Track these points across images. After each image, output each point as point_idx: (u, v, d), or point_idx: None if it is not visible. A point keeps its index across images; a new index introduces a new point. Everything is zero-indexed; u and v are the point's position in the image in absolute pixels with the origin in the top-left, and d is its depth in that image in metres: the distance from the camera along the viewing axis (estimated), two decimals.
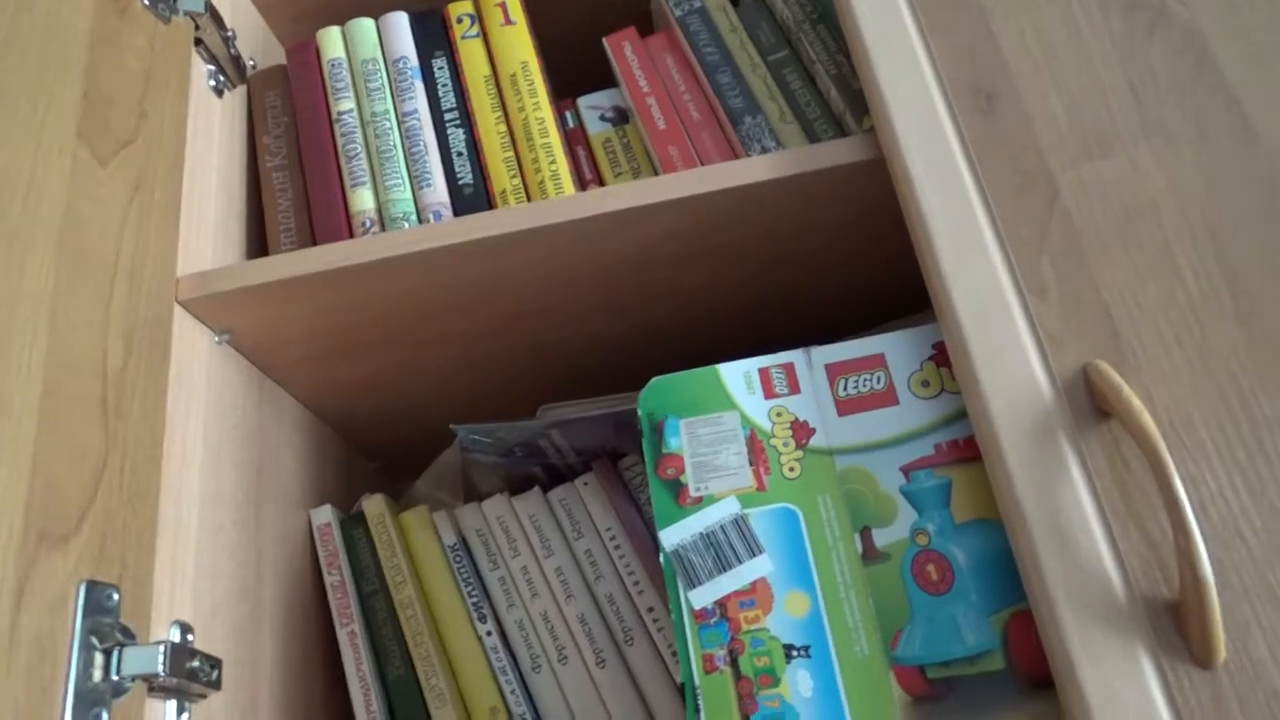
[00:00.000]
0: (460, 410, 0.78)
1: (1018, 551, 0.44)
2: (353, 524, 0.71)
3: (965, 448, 0.49)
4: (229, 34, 0.69)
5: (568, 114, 0.73)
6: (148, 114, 0.58)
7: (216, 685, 0.53)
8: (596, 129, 0.72)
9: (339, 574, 0.69)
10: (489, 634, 0.66)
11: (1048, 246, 0.48)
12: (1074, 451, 0.44)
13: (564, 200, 0.58)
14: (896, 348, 0.52)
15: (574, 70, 0.80)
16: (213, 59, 0.69)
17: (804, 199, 0.58)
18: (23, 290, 0.46)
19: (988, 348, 0.46)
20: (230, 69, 0.70)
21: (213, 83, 0.68)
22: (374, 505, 0.70)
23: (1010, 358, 0.46)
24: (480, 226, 0.58)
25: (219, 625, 0.56)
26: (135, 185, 0.56)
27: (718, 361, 0.54)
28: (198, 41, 0.67)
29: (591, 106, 0.73)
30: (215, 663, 0.53)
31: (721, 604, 0.47)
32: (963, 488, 0.48)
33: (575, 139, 0.72)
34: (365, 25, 0.72)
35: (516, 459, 0.69)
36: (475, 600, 0.67)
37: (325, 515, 0.71)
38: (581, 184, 0.70)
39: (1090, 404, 0.45)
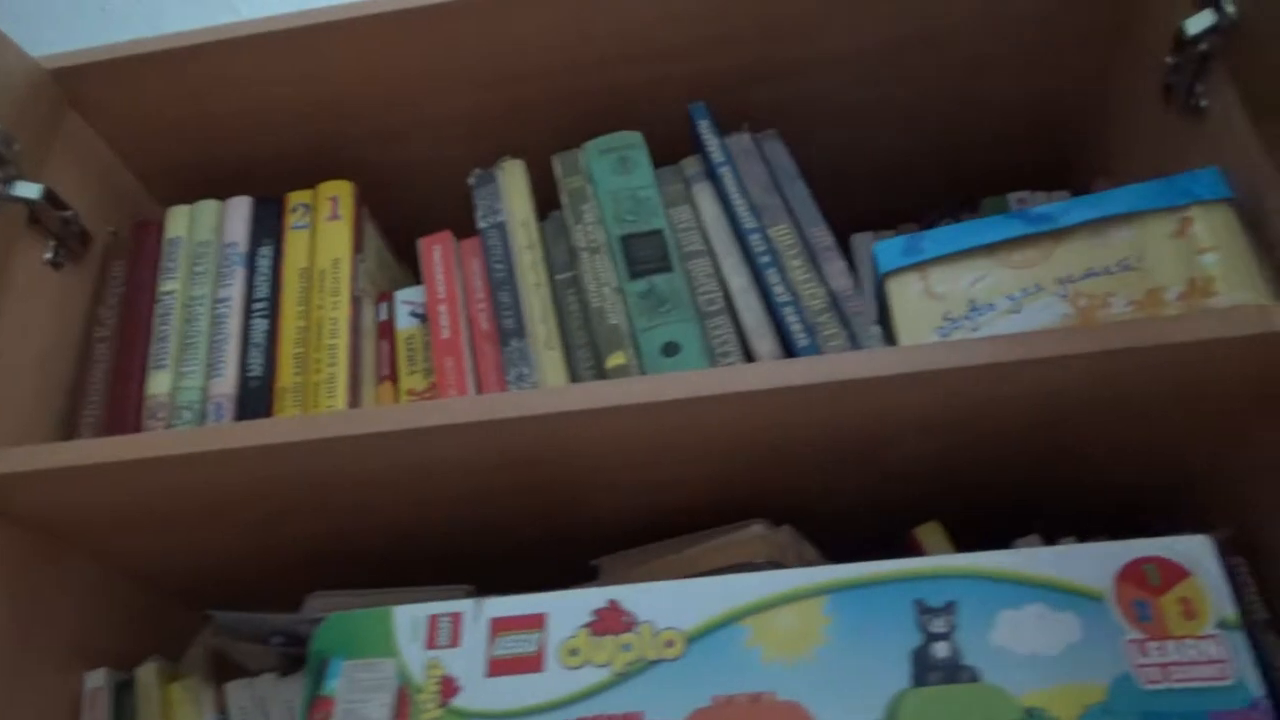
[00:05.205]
0: (264, 587, 0.79)
1: None
2: (127, 690, 0.71)
3: None
4: (69, 214, 0.74)
5: (382, 306, 0.75)
6: None
7: None
8: (405, 324, 0.74)
9: None
10: None
11: None
12: None
13: (300, 421, 0.59)
14: (560, 608, 0.51)
15: None
16: (53, 235, 0.73)
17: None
18: None
19: None
20: (74, 242, 0.75)
21: (49, 255, 0.73)
22: (146, 673, 0.71)
23: None
24: (215, 439, 0.60)
25: None
26: None
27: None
28: (36, 220, 0.72)
29: (405, 301, 0.75)
30: None
31: None
32: None
33: (384, 332, 0.74)
34: (209, 207, 0.77)
35: (276, 645, 0.69)
36: None
37: (98, 679, 0.71)
38: (378, 380, 0.72)
39: None
